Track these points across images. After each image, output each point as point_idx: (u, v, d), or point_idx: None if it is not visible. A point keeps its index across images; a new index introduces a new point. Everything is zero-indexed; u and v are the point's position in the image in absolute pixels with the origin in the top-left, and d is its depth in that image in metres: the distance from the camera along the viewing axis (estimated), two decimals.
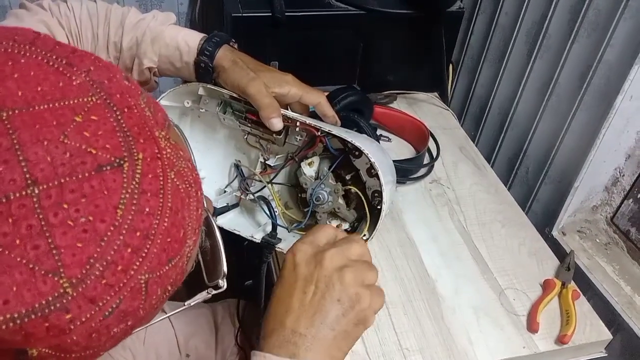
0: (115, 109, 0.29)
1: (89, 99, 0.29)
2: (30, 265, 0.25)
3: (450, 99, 1.17)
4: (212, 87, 0.69)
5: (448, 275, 0.78)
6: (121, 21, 0.69)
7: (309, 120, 0.67)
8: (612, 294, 0.86)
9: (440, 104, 1.14)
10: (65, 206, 0.26)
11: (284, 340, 0.46)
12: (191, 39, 0.69)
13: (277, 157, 0.75)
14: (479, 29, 1.17)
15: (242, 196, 0.77)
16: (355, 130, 0.80)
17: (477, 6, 1.16)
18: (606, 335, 0.74)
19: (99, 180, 0.27)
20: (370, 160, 0.64)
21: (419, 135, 1.01)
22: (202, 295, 0.41)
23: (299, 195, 0.75)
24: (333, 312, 0.46)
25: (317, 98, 0.71)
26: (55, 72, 0.29)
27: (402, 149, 1.02)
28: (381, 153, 0.72)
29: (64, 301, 0.26)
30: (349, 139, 0.64)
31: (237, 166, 0.77)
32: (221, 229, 0.73)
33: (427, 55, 1.09)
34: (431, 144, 0.99)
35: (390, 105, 1.09)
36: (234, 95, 0.68)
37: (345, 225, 0.74)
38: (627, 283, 0.88)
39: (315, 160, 0.71)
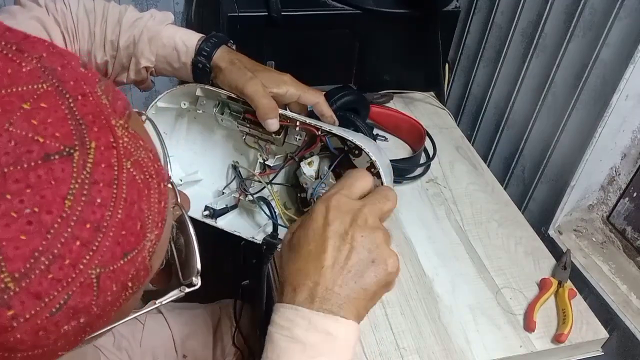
0: (67, 96, 0.28)
1: (39, 85, 0.27)
2: None
3: (446, 99, 1.17)
4: (210, 88, 0.69)
5: (445, 274, 0.78)
6: (118, 19, 0.68)
7: (309, 120, 0.67)
8: (609, 293, 0.86)
9: (437, 103, 1.14)
10: (9, 197, 0.25)
11: (316, 296, 0.45)
12: (189, 39, 0.69)
13: (276, 157, 0.74)
14: (475, 28, 1.17)
15: (240, 197, 0.76)
16: (352, 130, 0.80)
17: (473, 5, 1.16)
18: (602, 334, 0.74)
19: (45, 169, 0.26)
20: (371, 159, 0.64)
21: (415, 135, 1.01)
22: (175, 293, 0.40)
23: (298, 195, 0.74)
24: (367, 273, 0.46)
25: (315, 98, 0.71)
26: (4, 58, 0.27)
27: (399, 149, 1.02)
28: (380, 152, 0.72)
29: (6, 297, 0.25)
30: (350, 138, 0.64)
31: (234, 167, 0.77)
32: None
33: (423, 55, 1.09)
34: (427, 143, 0.99)
35: (387, 104, 1.09)
36: (232, 95, 0.67)
37: None
38: (623, 282, 0.88)
39: (315, 159, 0.71)
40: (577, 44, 0.88)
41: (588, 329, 0.74)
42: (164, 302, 0.40)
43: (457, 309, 0.74)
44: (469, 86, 1.20)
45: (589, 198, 0.96)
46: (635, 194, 0.90)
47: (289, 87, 0.69)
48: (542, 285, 0.77)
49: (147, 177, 0.30)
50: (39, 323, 0.26)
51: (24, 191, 0.25)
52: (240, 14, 0.96)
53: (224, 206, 0.76)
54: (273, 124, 0.66)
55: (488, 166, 1.02)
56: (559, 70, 0.93)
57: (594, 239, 0.96)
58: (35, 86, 0.27)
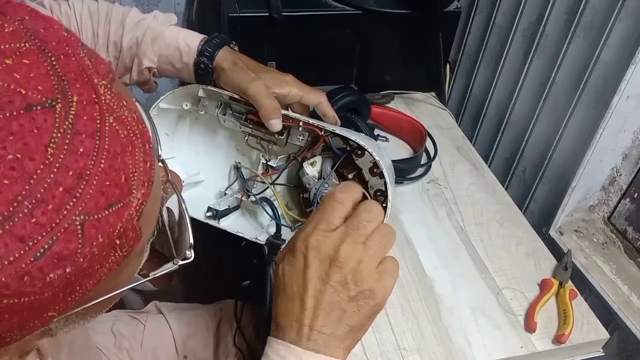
0: (50, 54, 0.29)
1: (22, 44, 0.28)
2: None
3: (447, 99, 1.17)
4: (212, 89, 0.69)
5: (446, 275, 0.78)
6: (122, 20, 0.68)
7: (312, 120, 0.67)
8: (609, 294, 0.86)
9: (438, 103, 1.14)
10: None
11: (302, 336, 0.46)
12: (191, 40, 0.69)
13: (278, 157, 0.74)
14: (476, 28, 1.17)
15: (243, 198, 0.76)
16: (354, 130, 0.80)
17: (474, 6, 1.16)
18: (603, 334, 0.74)
19: (28, 119, 0.26)
20: (374, 159, 0.63)
21: (416, 135, 1.01)
22: (169, 266, 0.40)
23: (301, 195, 0.74)
24: (350, 309, 0.47)
25: (317, 98, 0.71)
26: None
27: (400, 149, 1.02)
28: (382, 153, 0.72)
29: None
30: (353, 138, 0.64)
31: (237, 168, 0.77)
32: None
33: (425, 55, 1.09)
34: (428, 143, 0.99)
35: (388, 105, 1.09)
36: (234, 96, 0.68)
37: None
38: (624, 282, 0.88)
39: (318, 160, 0.71)
40: (578, 45, 0.88)
41: (589, 330, 0.74)
42: (157, 274, 0.40)
43: (458, 310, 0.74)
44: (470, 87, 1.20)
45: (590, 199, 0.96)
46: (636, 195, 0.90)
47: (291, 87, 0.69)
48: (543, 286, 0.77)
49: (131, 134, 0.31)
50: (23, 267, 0.26)
51: (7, 138, 0.26)
52: (241, 14, 0.96)
53: (227, 207, 0.76)
54: (276, 124, 0.66)
55: (489, 167, 1.02)
56: (560, 71, 0.93)
57: (595, 240, 0.96)
58: (17, 45, 0.28)
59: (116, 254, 0.30)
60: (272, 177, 0.74)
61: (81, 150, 0.28)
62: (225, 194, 0.78)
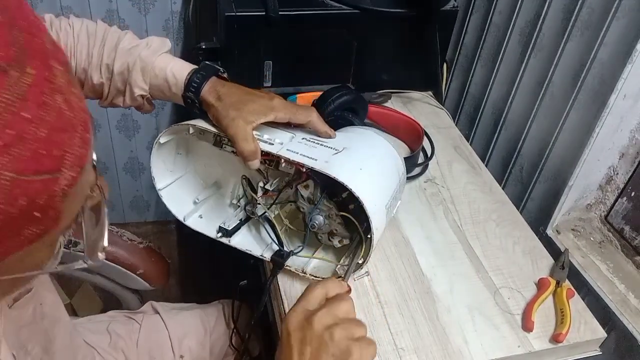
0: (17, 29, 0.31)
1: None
2: None
3: (444, 98, 1.17)
4: (201, 127, 0.69)
5: (443, 274, 0.78)
6: (115, 44, 0.69)
7: (293, 157, 0.66)
8: (606, 292, 0.86)
9: (435, 103, 1.14)
10: None
11: None
12: (179, 72, 0.70)
13: (274, 181, 0.75)
14: (472, 27, 1.17)
15: (250, 215, 0.78)
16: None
17: (471, 5, 1.16)
18: (600, 333, 0.74)
19: None
20: (357, 198, 0.63)
21: (413, 135, 1.01)
22: (80, 264, 0.42)
23: (302, 209, 0.75)
24: None
25: (306, 117, 0.71)
26: None
27: (397, 148, 1.01)
28: (375, 169, 0.71)
29: None
30: (332, 175, 0.64)
31: (246, 179, 0.77)
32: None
33: (421, 54, 1.09)
34: (425, 143, 0.99)
35: (385, 104, 1.09)
36: (220, 133, 0.68)
37: (347, 241, 0.74)
38: (621, 281, 0.88)
39: (310, 182, 0.71)
40: (575, 44, 0.88)
41: (586, 329, 0.74)
42: (67, 270, 0.42)
43: (455, 309, 0.74)
44: (467, 86, 1.20)
45: (587, 197, 0.96)
46: (633, 194, 0.90)
47: (277, 112, 0.68)
48: (540, 285, 0.77)
49: (73, 118, 0.32)
50: None
51: None
52: (237, 13, 0.95)
53: (238, 222, 0.78)
54: (253, 165, 0.67)
55: (486, 166, 1.02)
56: (557, 70, 0.93)
57: (592, 239, 0.96)
58: None
59: (31, 229, 0.32)
60: (272, 198, 0.75)
61: (26, 115, 0.29)
62: (237, 205, 0.80)
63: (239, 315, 0.90)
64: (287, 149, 0.68)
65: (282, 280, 0.75)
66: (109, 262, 0.93)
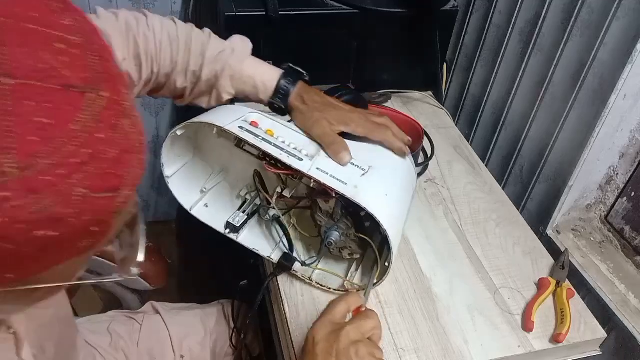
0: (91, 52, 0.33)
1: (73, 37, 0.32)
2: None
3: (444, 98, 1.17)
4: (224, 128, 0.68)
5: (443, 274, 0.78)
6: (201, 52, 0.70)
7: (324, 180, 0.64)
8: (607, 292, 0.86)
9: (435, 103, 1.14)
10: (32, 103, 0.29)
11: None
12: (269, 81, 0.72)
13: (293, 189, 0.74)
14: (473, 28, 1.17)
15: (259, 213, 0.78)
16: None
17: (471, 5, 1.16)
18: (601, 333, 0.74)
19: (64, 94, 0.30)
20: (384, 231, 0.62)
21: (413, 135, 1.00)
22: (115, 277, 0.44)
23: (316, 214, 0.74)
24: None
25: (382, 136, 0.72)
26: (46, 7, 0.32)
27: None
28: (398, 194, 0.69)
29: (5, 179, 0.28)
30: (363, 205, 0.62)
31: (258, 175, 0.76)
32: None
33: (422, 54, 1.09)
34: (425, 143, 0.99)
35: (385, 104, 1.09)
36: (240, 136, 0.67)
37: (357, 255, 0.74)
38: (621, 281, 0.88)
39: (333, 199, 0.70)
40: (575, 44, 0.88)
41: (586, 329, 0.74)
42: (103, 281, 0.44)
43: (455, 309, 0.74)
44: (467, 86, 1.20)
45: (587, 198, 0.96)
46: (633, 194, 0.90)
47: (357, 127, 0.71)
48: (540, 285, 0.77)
49: (137, 140, 0.35)
50: (19, 215, 0.29)
51: (43, 104, 0.29)
52: (237, 13, 0.95)
53: (245, 217, 0.77)
54: (344, 157, 0.68)
55: (486, 166, 1.02)
56: (557, 70, 0.93)
57: (592, 239, 0.96)
58: (69, 36, 0.32)
59: (85, 242, 0.33)
60: (286, 203, 0.75)
61: (101, 136, 0.31)
62: (246, 199, 0.80)
63: (239, 315, 0.90)
64: (317, 168, 0.65)
65: (282, 280, 0.75)
66: (109, 262, 0.93)
